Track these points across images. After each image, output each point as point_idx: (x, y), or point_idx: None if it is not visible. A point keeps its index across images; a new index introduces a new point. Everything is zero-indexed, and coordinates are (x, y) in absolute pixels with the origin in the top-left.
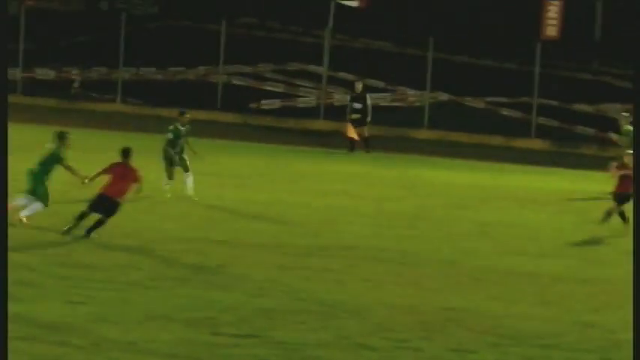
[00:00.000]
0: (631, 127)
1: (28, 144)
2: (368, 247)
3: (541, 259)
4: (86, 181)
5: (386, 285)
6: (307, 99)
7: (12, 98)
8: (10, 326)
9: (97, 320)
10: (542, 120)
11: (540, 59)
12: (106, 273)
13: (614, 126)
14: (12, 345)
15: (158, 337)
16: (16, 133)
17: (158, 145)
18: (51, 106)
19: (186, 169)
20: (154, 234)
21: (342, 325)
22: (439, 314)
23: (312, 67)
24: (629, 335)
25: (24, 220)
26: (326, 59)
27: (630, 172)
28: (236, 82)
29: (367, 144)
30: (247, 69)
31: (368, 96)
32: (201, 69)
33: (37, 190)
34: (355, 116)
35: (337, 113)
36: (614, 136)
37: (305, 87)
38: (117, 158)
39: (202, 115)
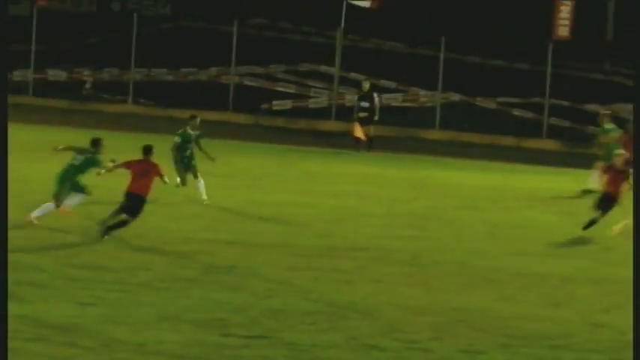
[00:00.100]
0: (611, 126)
1: (39, 145)
2: (378, 247)
3: (551, 259)
4: (102, 171)
5: (396, 286)
6: (319, 100)
7: (23, 99)
8: (20, 327)
9: (106, 321)
10: (553, 120)
11: (552, 59)
12: (116, 274)
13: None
14: (22, 346)
15: (168, 339)
16: (28, 134)
17: (169, 147)
18: (62, 107)
19: (195, 176)
20: (164, 235)
21: (352, 326)
22: (449, 315)
23: (324, 68)
24: None
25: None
26: (337, 60)
27: (620, 172)
28: (248, 82)
29: (370, 143)
30: (259, 70)
31: (375, 95)
32: (213, 70)
33: (75, 186)
34: (362, 115)
35: (349, 114)
36: (593, 130)
37: (316, 88)
38: (126, 158)
39: (214, 115)
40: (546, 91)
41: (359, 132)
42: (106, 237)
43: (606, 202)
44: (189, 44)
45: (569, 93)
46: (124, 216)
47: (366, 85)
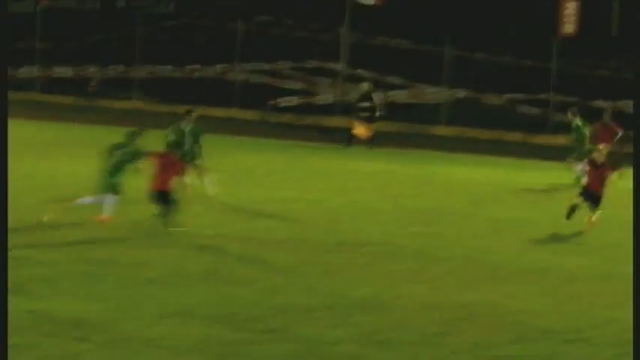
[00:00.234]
0: (580, 123)
1: (46, 141)
2: (385, 243)
3: (560, 255)
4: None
5: (404, 282)
6: (325, 96)
7: (30, 96)
8: (31, 323)
9: (118, 316)
10: (559, 116)
11: (558, 56)
12: (126, 270)
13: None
14: (33, 341)
15: (178, 334)
16: (35, 130)
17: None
18: (69, 104)
19: (199, 172)
20: (173, 231)
21: (361, 322)
22: (458, 311)
23: (330, 65)
24: None
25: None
26: (344, 56)
27: (600, 167)
28: (254, 79)
29: (372, 141)
30: (265, 66)
31: (375, 95)
32: (219, 67)
33: (115, 184)
34: (364, 114)
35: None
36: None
37: (323, 84)
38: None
39: (220, 112)
40: (553, 87)
41: (359, 130)
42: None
43: (590, 198)
44: (194, 41)
45: (575, 89)
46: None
47: (364, 87)
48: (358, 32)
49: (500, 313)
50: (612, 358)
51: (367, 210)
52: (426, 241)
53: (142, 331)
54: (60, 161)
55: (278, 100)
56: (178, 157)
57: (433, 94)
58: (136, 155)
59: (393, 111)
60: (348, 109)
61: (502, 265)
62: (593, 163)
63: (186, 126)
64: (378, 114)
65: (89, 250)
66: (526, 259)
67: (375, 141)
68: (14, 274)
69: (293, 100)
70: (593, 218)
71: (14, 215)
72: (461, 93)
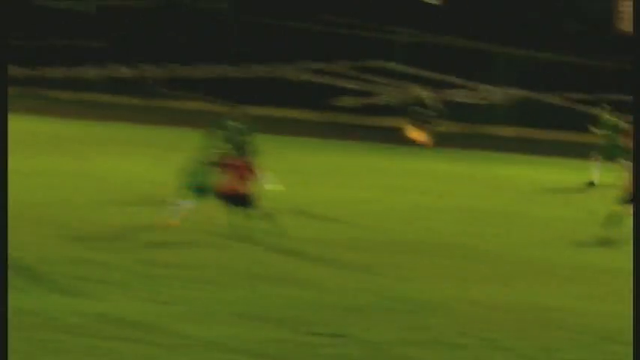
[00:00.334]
0: (612, 118)
1: (106, 141)
2: (455, 244)
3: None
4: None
5: (473, 283)
6: (384, 96)
7: (90, 96)
8: (98, 325)
9: (184, 319)
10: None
11: (617, 55)
12: (193, 272)
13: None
14: (99, 344)
15: (246, 337)
16: (95, 130)
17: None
18: (131, 104)
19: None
20: (240, 233)
21: (429, 324)
22: (527, 313)
23: (391, 64)
24: None
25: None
26: (403, 56)
27: None
28: (313, 79)
29: (433, 140)
30: (324, 66)
31: (431, 102)
32: (280, 66)
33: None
34: (420, 118)
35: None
36: (595, 130)
37: (383, 84)
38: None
39: (279, 112)
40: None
41: (415, 134)
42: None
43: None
44: (256, 41)
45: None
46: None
47: (423, 94)
48: (418, 31)
49: (571, 314)
50: None
51: (433, 210)
52: (495, 242)
53: (208, 333)
54: (123, 161)
55: (337, 99)
56: (251, 160)
57: (493, 93)
58: (216, 157)
59: (453, 111)
60: (406, 110)
61: (570, 265)
62: None
63: (234, 123)
64: (434, 118)
65: (156, 253)
66: (595, 259)
67: (435, 141)
68: (81, 277)
69: (352, 100)
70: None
71: (75, 216)
72: (520, 93)
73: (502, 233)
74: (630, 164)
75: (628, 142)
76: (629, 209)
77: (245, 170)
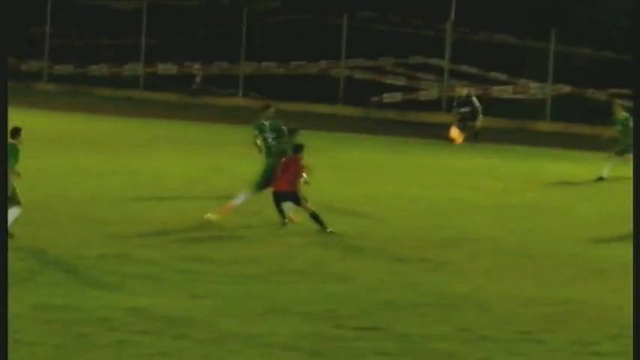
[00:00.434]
0: (627, 114)
1: (150, 138)
2: (489, 239)
3: None
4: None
5: (507, 277)
6: (429, 92)
7: (134, 93)
8: (131, 320)
9: (217, 314)
10: None
11: None
12: (227, 267)
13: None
14: (133, 338)
15: (279, 331)
16: (139, 127)
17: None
18: (173, 101)
19: None
20: (273, 227)
21: (463, 318)
22: (560, 306)
23: (434, 60)
24: None
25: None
26: (447, 52)
27: None
28: (357, 75)
29: (477, 136)
30: (369, 63)
31: (474, 99)
32: (323, 63)
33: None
34: (463, 119)
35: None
36: (609, 131)
37: (426, 80)
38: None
39: (323, 108)
40: None
41: (455, 134)
42: (328, 230)
43: None
44: (299, 37)
45: None
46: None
47: (463, 92)
48: (462, 27)
49: (604, 308)
50: None
51: (470, 206)
52: (530, 237)
53: (242, 328)
54: (164, 158)
55: (382, 96)
56: (297, 160)
57: (537, 89)
58: (284, 152)
59: (497, 106)
60: (451, 106)
61: (607, 259)
62: None
63: (267, 121)
64: (478, 119)
65: (188, 247)
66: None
67: (479, 137)
68: (115, 272)
69: (397, 97)
70: None
71: (118, 212)
72: (565, 88)
73: (540, 227)
74: None
75: None
76: None
77: (294, 168)
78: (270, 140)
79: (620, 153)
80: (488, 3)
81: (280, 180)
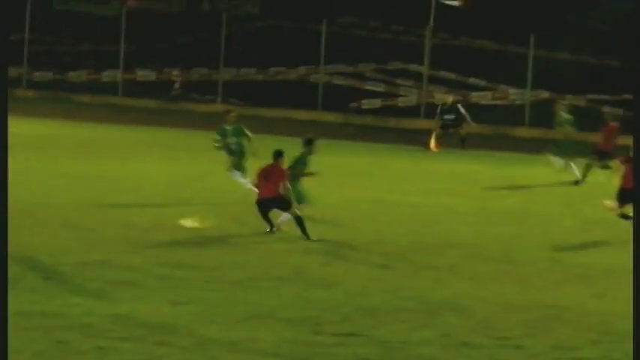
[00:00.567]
0: (569, 115)
1: (129, 144)
2: (470, 244)
3: None
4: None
5: (488, 283)
6: (408, 98)
7: (113, 100)
8: (112, 327)
9: (199, 320)
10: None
11: None
12: (209, 273)
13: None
14: (114, 345)
15: (261, 337)
16: (119, 133)
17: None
18: (152, 107)
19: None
20: (256, 234)
21: (444, 323)
22: (542, 312)
23: (413, 66)
24: None
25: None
26: (427, 58)
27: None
28: (337, 81)
29: (464, 142)
30: (348, 68)
31: (460, 106)
32: (302, 69)
33: (295, 194)
34: (448, 126)
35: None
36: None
37: (406, 86)
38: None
39: (303, 114)
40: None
41: (433, 143)
42: (312, 238)
43: (625, 197)
44: (278, 43)
45: None
46: (286, 214)
47: (448, 99)
48: (441, 33)
49: (584, 314)
50: None
51: (452, 211)
52: (512, 242)
53: (224, 334)
54: (144, 164)
55: (360, 102)
56: (279, 167)
57: (516, 95)
58: (304, 164)
59: (477, 112)
60: (431, 112)
61: (588, 265)
62: (630, 161)
63: (229, 125)
64: (466, 126)
65: (169, 254)
66: (612, 259)
67: (466, 143)
68: (96, 278)
69: (376, 103)
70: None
71: (99, 218)
72: (544, 94)
73: (522, 233)
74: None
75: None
76: (625, 207)
77: (277, 175)
78: (232, 146)
79: (565, 153)
80: (466, 9)
81: (265, 188)
